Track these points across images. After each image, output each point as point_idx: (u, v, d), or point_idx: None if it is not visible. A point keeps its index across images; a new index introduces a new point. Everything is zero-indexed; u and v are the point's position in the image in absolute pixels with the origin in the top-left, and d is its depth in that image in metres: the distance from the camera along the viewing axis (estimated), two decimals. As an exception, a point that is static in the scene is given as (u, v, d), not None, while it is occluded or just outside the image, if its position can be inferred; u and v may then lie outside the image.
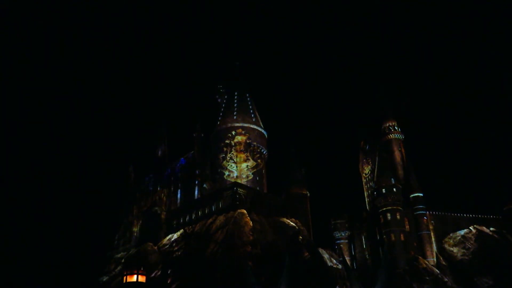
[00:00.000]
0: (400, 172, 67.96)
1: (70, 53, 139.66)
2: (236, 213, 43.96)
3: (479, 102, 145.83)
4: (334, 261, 52.91)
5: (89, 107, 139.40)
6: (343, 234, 68.92)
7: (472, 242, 62.25)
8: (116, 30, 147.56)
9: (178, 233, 48.17)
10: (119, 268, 49.83)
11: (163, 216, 53.31)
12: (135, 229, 57.86)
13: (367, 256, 63.54)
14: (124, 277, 19.33)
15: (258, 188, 53.83)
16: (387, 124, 73.12)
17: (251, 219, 43.44)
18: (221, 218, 45.09)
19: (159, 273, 43.02)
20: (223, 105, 60.55)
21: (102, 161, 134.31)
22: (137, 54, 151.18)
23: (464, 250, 61.38)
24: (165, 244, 47.78)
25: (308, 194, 58.09)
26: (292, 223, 47.82)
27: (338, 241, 69.09)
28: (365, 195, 70.71)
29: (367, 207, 68.64)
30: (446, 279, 56.28)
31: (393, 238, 58.52)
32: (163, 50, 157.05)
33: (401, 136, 72.42)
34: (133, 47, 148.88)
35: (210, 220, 46.39)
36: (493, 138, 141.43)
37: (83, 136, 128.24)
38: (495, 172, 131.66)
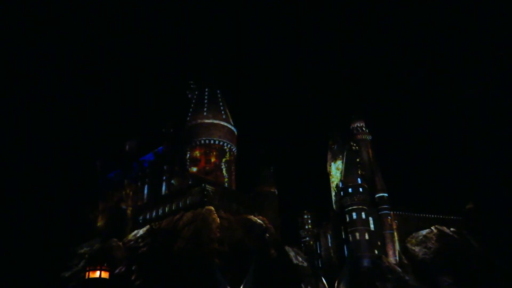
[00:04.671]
0: (367, 172, 69.25)
1: (36, 40, 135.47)
2: (204, 210, 43.76)
3: (442, 105, 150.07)
4: (300, 258, 53.47)
5: (57, 97, 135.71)
6: (309, 232, 69.80)
7: (433, 241, 64.12)
8: (88, 22, 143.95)
9: (144, 229, 47.56)
10: (82, 263, 48.81)
11: (129, 212, 52.56)
12: (100, 224, 56.80)
13: (332, 254, 64.51)
14: (87, 273, 18.96)
15: (226, 185, 53.80)
16: (356, 125, 74.32)
17: (219, 216, 43.34)
18: (188, 215, 44.80)
19: (123, 269, 42.39)
20: (194, 101, 60.10)
21: (68, 153, 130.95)
22: (109, 47, 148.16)
23: (426, 250, 63.15)
24: (131, 240, 47.09)
25: (276, 192, 58.39)
26: (259, 221, 48.00)
27: (304, 239, 69.92)
28: (332, 194, 71.71)
29: (334, 206, 69.66)
30: (407, 278, 57.76)
31: (358, 237, 59.62)
32: (135, 44, 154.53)
33: (368, 137, 73.75)
34: (105, 39, 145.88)
35: (177, 216, 46.02)
36: (455, 141, 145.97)
37: (47, 127, 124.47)
38: (456, 174, 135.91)
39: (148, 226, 47.51)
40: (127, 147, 63.77)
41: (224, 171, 55.18)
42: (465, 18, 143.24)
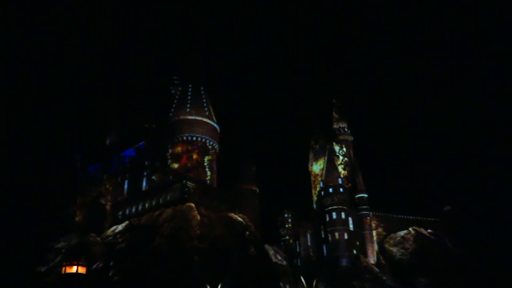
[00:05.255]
0: (348, 172, 69.89)
1: (14, 29, 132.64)
2: (184, 206, 43.53)
3: (421, 109, 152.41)
4: (279, 257, 53.61)
5: (35, 87, 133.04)
6: (289, 231, 70.11)
7: (410, 242, 65.06)
8: (71, 13, 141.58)
9: (124, 224, 47.06)
10: (58, 258, 48.01)
11: (108, 207, 51.93)
12: (78, 219, 56.00)
13: (311, 253, 64.89)
14: (63, 268, 18.64)
15: (208, 182, 53.63)
16: (338, 126, 74.88)
17: (199, 213, 43.17)
18: (168, 211, 44.50)
19: (101, 265, 41.86)
20: (177, 97, 59.69)
21: (46, 146, 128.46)
22: (90, 39, 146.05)
23: (403, 250, 64.03)
24: (109, 236, 46.53)
25: (258, 191, 58.47)
26: (240, 219, 47.97)
27: (284, 238, 70.21)
28: (313, 193, 72.16)
29: (314, 206, 70.10)
30: (385, 278, 58.49)
31: (337, 237, 60.11)
32: (118, 37, 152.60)
33: (350, 138, 74.41)
34: (87, 31, 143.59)
35: (157, 212, 45.66)
36: (434, 145, 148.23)
37: (24, 117, 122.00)
38: (434, 177, 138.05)
39: (127, 222, 47.04)
40: (107, 141, 62.91)
41: (206, 168, 54.99)
42: (445, 21, 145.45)
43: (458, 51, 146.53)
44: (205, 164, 55.08)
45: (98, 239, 47.17)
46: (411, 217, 70.07)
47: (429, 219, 71.21)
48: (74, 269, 18.19)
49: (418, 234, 66.98)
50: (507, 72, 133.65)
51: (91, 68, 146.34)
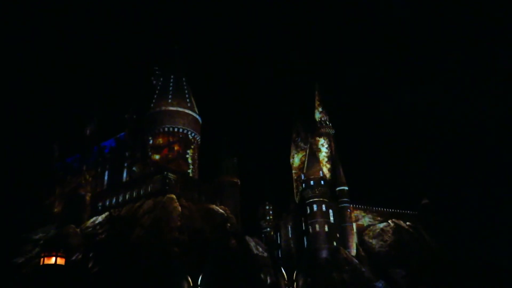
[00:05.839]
0: (329, 165, 70.36)
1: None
2: (165, 198, 43.33)
3: (401, 104, 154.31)
4: (260, 249, 53.78)
5: (12, 77, 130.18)
6: (270, 223, 70.38)
7: (389, 235, 65.95)
8: (52, 3, 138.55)
9: (103, 216, 46.60)
10: (36, 250, 47.31)
11: (88, 198, 51.32)
12: (56, 210, 55.21)
13: (292, 245, 65.28)
14: (42, 259, 18.40)
15: (190, 174, 53.40)
16: (319, 118, 75.17)
17: (180, 205, 43.03)
18: (149, 203, 44.24)
19: (80, 256, 41.44)
20: (158, 88, 59.08)
21: (23, 136, 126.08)
22: (71, 28, 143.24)
23: (382, 243, 64.90)
24: (89, 227, 46.04)
25: (239, 183, 58.43)
26: (221, 211, 47.96)
27: (265, 230, 70.47)
28: (294, 186, 72.46)
29: (295, 198, 70.43)
30: (364, 269, 59.24)
31: (317, 229, 60.58)
32: (100, 26, 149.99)
33: (331, 131, 74.81)
34: (67, 21, 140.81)
35: (138, 204, 45.37)
36: (412, 139, 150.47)
37: (2, 107, 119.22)
38: (413, 171, 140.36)
39: (107, 213, 46.59)
40: (87, 131, 62.03)
41: (187, 160, 54.71)
42: (422, 20, 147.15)
43: (439, 46, 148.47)
44: (187, 155, 54.79)
45: (78, 230, 46.64)
46: (390, 210, 70.98)
47: (408, 212, 72.30)
48: (52, 260, 17.99)
49: (397, 226, 67.89)
50: (484, 71, 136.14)
51: (70, 57, 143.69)
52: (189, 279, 35.42)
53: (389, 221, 68.50)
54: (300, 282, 54.81)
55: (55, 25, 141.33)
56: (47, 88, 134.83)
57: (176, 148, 54.18)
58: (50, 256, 17.57)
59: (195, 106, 58.74)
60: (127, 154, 53.00)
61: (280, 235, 68.07)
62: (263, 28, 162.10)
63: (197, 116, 58.22)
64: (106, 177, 54.10)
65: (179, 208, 42.38)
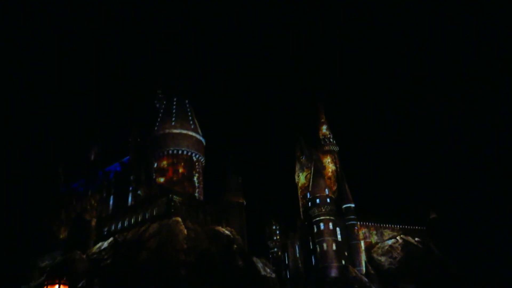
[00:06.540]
0: (334, 183, 70.06)
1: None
2: (171, 220, 43.09)
3: (406, 119, 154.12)
4: (268, 270, 53.15)
5: (18, 102, 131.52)
6: (277, 243, 69.81)
7: (398, 251, 65.25)
8: (53, 26, 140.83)
9: (109, 241, 46.36)
10: (43, 278, 47.02)
11: (93, 223, 51.13)
12: (62, 236, 55.03)
13: (300, 264, 64.63)
14: (45, 287, 18.22)
15: (196, 195, 53.28)
16: (323, 136, 75.19)
17: (186, 227, 42.76)
18: (154, 226, 43.98)
19: (85, 283, 41.09)
20: (161, 111, 59.45)
21: (29, 161, 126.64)
22: (74, 52, 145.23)
23: (391, 259, 64.17)
24: (94, 253, 45.78)
25: (244, 203, 58.21)
26: (227, 232, 47.63)
27: (272, 250, 69.88)
28: (300, 204, 72.12)
29: (302, 217, 70.03)
30: (373, 287, 58.47)
31: (325, 248, 60.01)
32: (102, 50, 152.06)
33: (336, 148, 74.73)
34: (71, 44, 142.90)
35: (143, 227, 45.11)
36: (419, 154, 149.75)
37: (8, 130, 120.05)
38: (421, 186, 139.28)
39: (112, 239, 46.36)
40: (92, 156, 62.22)
41: (192, 181, 54.66)
42: (427, 34, 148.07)
43: (444, 58, 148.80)
44: (191, 177, 54.77)
45: (84, 256, 46.36)
46: (398, 226, 70.36)
47: (416, 227, 71.61)
48: (56, 288, 17.79)
49: (405, 242, 67.23)
50: (489, 79, 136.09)
51: (74, 83, 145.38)
52: (196, 302, 34.98)
53: (398, 237, 67.88)
54: (310, 303, 54.04)
55: (60, 50, 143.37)
56: (51, 114, 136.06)
57: (180, 170, 54.21)
58: (53, 284, 17.38)
59: (198, 127, 58.97)
60: (131, 178, 52.98)
61: (287, 255, 67.43)
62: (266, 47, 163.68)
63: (201, 138, 58.37)
64: (111, 201, 54.01)
65: (185, 231, 42.11)
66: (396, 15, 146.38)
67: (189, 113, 59.06)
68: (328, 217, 61.82)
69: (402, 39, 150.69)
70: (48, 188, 61.56)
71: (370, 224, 68.49)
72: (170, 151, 54.85)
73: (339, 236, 62.64)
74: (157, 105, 61.08)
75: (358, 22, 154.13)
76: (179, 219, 43.53)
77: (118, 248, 43.49)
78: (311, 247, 62.92)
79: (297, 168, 74.88)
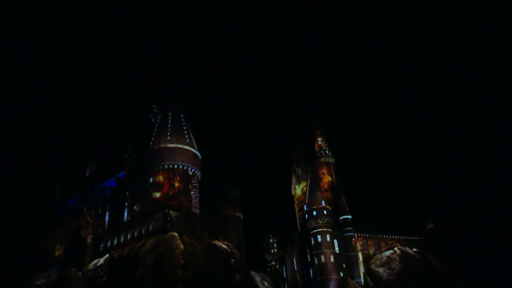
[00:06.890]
0: (330, 194, 70.02)
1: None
2: (167, 236, 42.81)
3: (402, 129, 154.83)
4: (266, 283, 52.89)
5: (12, 117, 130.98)
6: (275, 256, 69.45)
7: (396, 262, 65.03)
8: (52, 42, 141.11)
9: (105, 257, 45.96)
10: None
11: (89, 240, 50.73)
12: (58, 253, 54.55)
13: (298, 278, 64.24)
14: (41, 306, 18.06)
15: (193, 209, 53.06)
16: (319, 148, 75.35)
17: (183, 242, 42.48)
18: (151, 241, 43.67)
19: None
20: (157, 125, 59.47)
21: (24, 176, 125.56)
22: (69, 66, 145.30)
23: (389, 271, 63.92)
24: (90, 270, 45.35)
25: (241, 216, 58.05)
26: (224, 246, 47.35)
27: (270, 263, 69.49)
28: (297, 217, 71.92)
29: (299, 229, 69.79)
30: (372, 299, 58.17)
31: (323, 260, 59.71)
32: (97, 65, 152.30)
33: (332, 160, 74.85)
34: (66, 58, 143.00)
35: (140, 243, 44.77)
36: (415, 164, 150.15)
37: (3, 148, 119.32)
38: (417, 197, 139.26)
39: (107, 255, 45.97)
40: (87, 172, 62.08)
41: (188, 196, 54.46)
42: (422, 43, 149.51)
43: (441, 68, 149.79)
44: (188, 191, 54.58)
45: (79, 273, 45.91)
46: (395, 237, 70.26)
47: (414, 238, 71.52)
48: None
49: (403, 253, 67.06)
50: (489, 87, 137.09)
51: (70, 97, 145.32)
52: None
53: (395, 248, 67.70)
54: (309, 316, 53.62)
55: (55, 65, 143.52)
56: (46, 131, 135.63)
57: (176, 184, 54.03)
58: (49, 302, 17.28)
59: (194, 142, 58.96)
60: (127, 193, 52.77)
61: (285, 268, 67.05)
62: (261, 60, 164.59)
63: (197, 152, 58.32)
64: (107, 217, 53.71)
65: (182, 246, 41.84)
66: (390, 25, 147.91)
67: (185, 127, 59.11)
68: (325, 229, 61.62)
69: (397, 49, 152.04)
70: (43, 205, 61.17)
71: (367, 235, 68.34)
72: (166, 166, 54.72)
73: (336, 248, 62.39)
74: (152, 120, 61.09)
75: (352, 32, 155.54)
76: (176, 234, 43.27)
77: (114, 265, 43.10)
78: (309, 259, 62.60)
79: (293, 181, 74.85)
